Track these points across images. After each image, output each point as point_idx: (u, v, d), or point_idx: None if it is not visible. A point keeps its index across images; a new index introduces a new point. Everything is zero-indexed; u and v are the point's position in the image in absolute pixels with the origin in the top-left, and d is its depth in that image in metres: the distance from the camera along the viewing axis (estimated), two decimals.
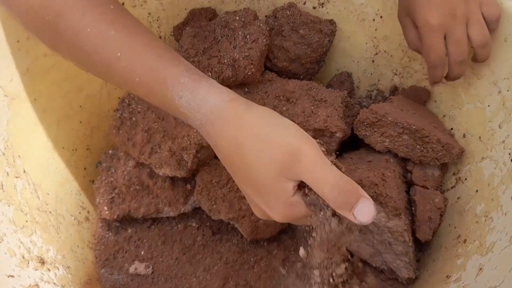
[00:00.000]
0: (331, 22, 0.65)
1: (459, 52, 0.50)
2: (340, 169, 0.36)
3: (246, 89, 0.61)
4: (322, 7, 0.66)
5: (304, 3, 0.66)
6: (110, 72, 0.37)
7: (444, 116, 0.61)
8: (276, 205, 0.36)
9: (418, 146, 0.55)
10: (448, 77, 0.54)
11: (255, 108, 0.38)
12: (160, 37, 0.68)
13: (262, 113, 0.37)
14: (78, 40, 0.37)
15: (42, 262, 0.49)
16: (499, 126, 0.51)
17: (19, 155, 0.51)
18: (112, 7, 0.38)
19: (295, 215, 0.37)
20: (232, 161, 0.37)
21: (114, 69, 0.37)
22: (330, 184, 0.34)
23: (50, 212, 0.54)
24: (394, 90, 0.67)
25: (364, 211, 0.34)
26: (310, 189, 0.36)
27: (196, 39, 0.60)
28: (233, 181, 0.56)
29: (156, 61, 0.37)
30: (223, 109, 0.36)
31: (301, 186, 0.37)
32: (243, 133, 0.36)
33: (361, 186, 0.52)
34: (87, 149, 0.63)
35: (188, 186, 0.61)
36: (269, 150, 0.35)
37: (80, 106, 0.61)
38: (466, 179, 0.56)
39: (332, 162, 0.36)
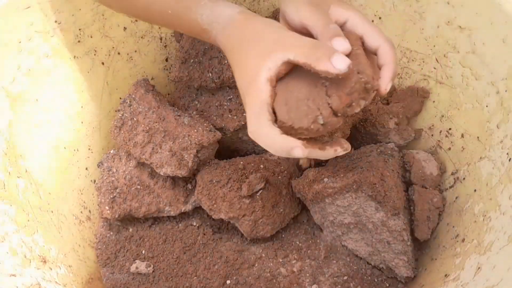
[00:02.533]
0: None
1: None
2: None
3: None
4: None
5: None
6: (148, 11, 0.47)
7: (442, 116, 0.61)
8: (251, 92, 0.41)
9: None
10: None
11: (259, 17, 0.44)
12: (161, 38, 0.68)
13: (264, 20, 0.44)
14: None
15: (44, 261, 0.49)
16: (497, 126, 0.51)
17: (21, 155, 0.51)
18: None
19: (260, 100, 0.40)
20: (236, 58, 0.43)
21: (153, 7, 0.47)
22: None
23: (52, 212, 0.55)
24: (392, 91, 0.67)
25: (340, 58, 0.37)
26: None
27: (197, 40, 0.61)
28: (233, 181, 0.57)
29: None
30: (234, 17, 0.44)
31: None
32: (245, 32, 0.43)
33: (361, 186, 0.52)
34: (89, 149, 0.63)
35: (189, 186, 0.61)
36: (264, 41, 0.41)
37: (82, 107, 0.61)
38: (464, 179, 0.56)
39: None
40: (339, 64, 0.37)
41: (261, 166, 0.59)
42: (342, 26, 0.43)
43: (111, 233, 0.61)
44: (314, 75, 0.39)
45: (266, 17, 0.68)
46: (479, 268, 0.45)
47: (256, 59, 0.41)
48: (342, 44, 0.39)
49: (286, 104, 0.40)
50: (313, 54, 0.38)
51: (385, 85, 0.41)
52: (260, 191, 0.57)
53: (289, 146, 0.40)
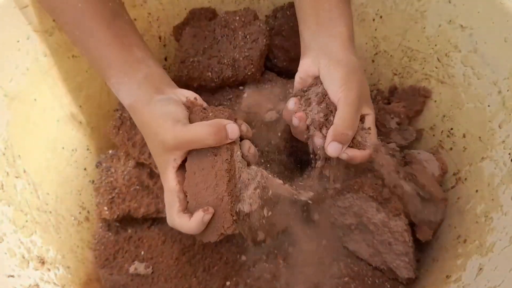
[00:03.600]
0: None
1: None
2: None
3: (246, 89, 0.61)
4: None
5: None
6: (87, 45, 0.48)
7: (444, 116, 0.61)
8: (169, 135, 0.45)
9: None
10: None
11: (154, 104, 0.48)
12: (160, 37, 0.68)
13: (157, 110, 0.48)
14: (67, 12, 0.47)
15: (42, 262, 0.49)
16: (499, 126, 0.51)
17: (19, 155, 0.51)
18: (110, 4, 0.48)
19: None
20: (145, 136, 0.49)
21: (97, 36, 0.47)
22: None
23: (50, 212, 0.54)
24: (394, 90, 0.67)
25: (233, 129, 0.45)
26: None
27: (196, 39, 0.61)
28: None
29: (134, 41, 0.49)
30: (133, 102, 0.48)
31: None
32: (144, 118, 0.48)
33: (362, 186, 0.52)
34: (87, 149, 0.63)
35: None
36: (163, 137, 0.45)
37: (80, 106, 0.61)
38: (466, 179, 0.56)
39: None
40: (232, 134, 0.45)
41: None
42: (362, 117, 0.49)
43: (110, 233, 0.61)
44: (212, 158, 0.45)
45: (266, 16, 0.68)
46: (480, 269, 0.45)
47: (162, 151, 0.46)
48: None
49: (195, 185, 0.45)
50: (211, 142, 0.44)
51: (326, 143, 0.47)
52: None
53: (200, 230, 0.45)
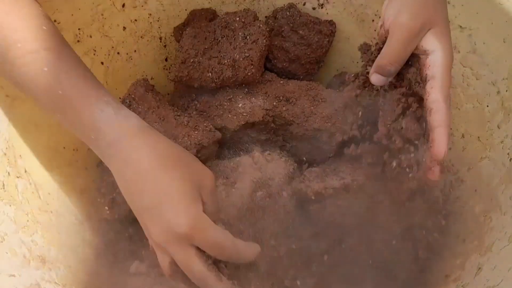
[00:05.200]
0: (331, 23, 0.65)
1: None
2: None
3: (246, 90, 0.62)
4: (322, 8, 0.66)
5: (304, 4, 0.67)
6: (32, 85, 0.39)
7: None
8: (185, 215, 0.37)
9: None
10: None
11: (171, 141, 0.41)
12: (160, 38, 0.68)
13: (177, 145, 0.41)
14: (9, 51, 0.39)
15: (43, 261, 0.49)
16: (498, 127, 0.51)
17: (20, 155, 0.51)
18: (44, 28, 0.40)
19: (201, 229, 0.37)
20: (146, 172, 0.38)
21: (38, 83, 0.39)
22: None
23: (51, 212, 0.54)
24: None
25: None
26: None
27: (196, 39, 0.61)
28: (233, 181, 0.57)
29: (81, 80, 0.40)
30: (144, 128, 0.40)
31: None
32: (166, 150, 0.39)
33: (361, 186, 0.52)
34: (88, 149, 0.62)
35: None
36: (190, 169, 0.39)
37: None
38: (465, 179, 0.56)
39: None
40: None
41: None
42: (424, 57, 0.40)
43: (111, 233, 0.61)
44: None
45: (266, 17, 0.68)
46: (479, 268, 0.45)
47: (191, 187, 0.38)
48: None
49: None
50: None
51: (441, 151, 0.39)
52: (261, 192, 0.57)
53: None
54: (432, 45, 0.39)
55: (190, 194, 0.37)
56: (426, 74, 0.40)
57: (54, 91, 0.38)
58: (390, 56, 0.40)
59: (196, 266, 0.37)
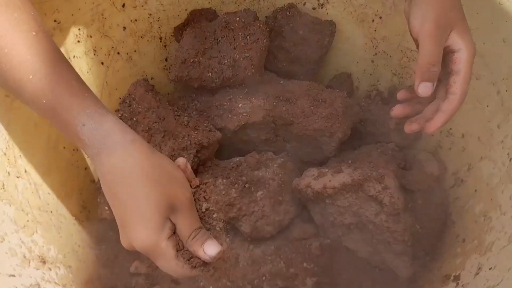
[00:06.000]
0: (331, 23, 0.65)
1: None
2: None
3: (246, 90, 0.62)
4: (322, 8, 0.66)
5: (304, 4, 0.67)
6: (19, 90, 0.39)
7: None
8: (144, 238, 0.38)
9: None
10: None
11: (155, 154, 0.40)
12: (160, 38, 0.68)
13: (158, 162, 0.40)
14: None
15: (43, 261, 0.49)
16: (498, 127, 0.51)
17: (20, 155, 0.51)
18: (34, 33, 0.40)
19: (157, 254, 0.39)
20: (117, 192, 0.39)
21: (24, 89, 0.39)
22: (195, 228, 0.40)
23: (51, 212, 0.54)
24: (393, 90, 0.67)
25: (212, 246, 0.39)
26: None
27: (197, 39, 0.61)
28: (233, 181, 0.57)
29: (65, 90, 0.39)
30: (126, 145, 0.39)
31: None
32: (138, 173, 0.38)
33: (361, 186, 0.52)
34: None
35: None
36: (163, 192, 0.38)
37: None
38: (465, 179, 0.56)
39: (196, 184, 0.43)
40: (210, 252, 0.39)
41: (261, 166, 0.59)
42: (451, 54, 0.45)
43: (111, 233, 0.61)
44: None
45: (266, 17, 0.68)
46: (479, 268, 0.45)
47: (158, 213, 0.38)
48: None
49: None
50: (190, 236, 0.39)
51: (432, 131, 0.46)
52: (261, 192, 0.57)
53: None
54: (457, 44, 0.44)
55: (156, 219, 0.38)
56: (452, 69, 0.45)
57: (39, 100, 0.39)
58: (428, 58, 0.43)
59: (166, 267, 0.40)
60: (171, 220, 0.39)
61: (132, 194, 0.38)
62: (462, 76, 0.44)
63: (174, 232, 0.40)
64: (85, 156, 0.63)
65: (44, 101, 0.38)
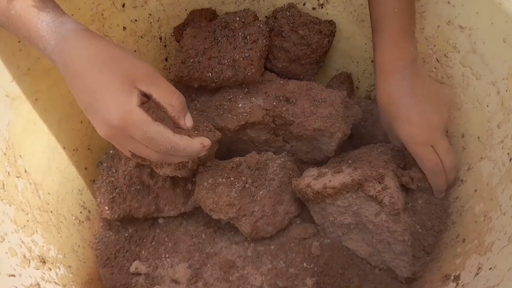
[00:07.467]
0: (331, 23, 0.65)
1: (451, 159, 0.55)
2: None
3: (246, 90, 0.62)
4: (322, 8, 0.66)
5: (304, 4, 0.67)
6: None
7: None
8: (115, 109, 0.40)
9: None
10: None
11: (107, 39, 0.45)
12: (160, 38, 0.68)
13: (111, 44, 0.43)
14: None
15: (43, 261, 0.49)
16: (498, 126, 0.51)
17: (20, 155, 0.51)
18: None
19: (133, 123, 0.40)
20: (80, 72, 0.41)
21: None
22: (176, 94, 0.43)
23: (51, 212, 0.54)
24: None
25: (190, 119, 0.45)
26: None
27: (197, 39, 0.61)
28: (233, 181, 0.56)
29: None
30: (78, 31, 0.42)
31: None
32: (97, 49, 0.41)
33: (361, 186, 0.52)
34: (88, 149, 0.63)
35: (189, 186, 0.61)
36: (120, 65, 0.41)
37: None
38: (465, 179, 0.56)
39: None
40: (189, 123, 0.44)
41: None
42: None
43: (111, 233, 0.61)
44: None
45: (266, 17, 0.68)
46: (479, 268, 0.45)
47: (121, 82, 0.40)
48: None
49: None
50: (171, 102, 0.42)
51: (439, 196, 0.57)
52: (261, 192, 0.57)
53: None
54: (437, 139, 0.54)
55: (121, 89, 0.39)
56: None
57: (9, 11, 0.42)
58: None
59: (145, 150, 0.42)
60: (139, 90, 0.41)
61: (97, 74, 0.40)
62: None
63: (143, 103, 0.41)
64: (86, 155, 0.63)
65: (13, 12, 0.42)
